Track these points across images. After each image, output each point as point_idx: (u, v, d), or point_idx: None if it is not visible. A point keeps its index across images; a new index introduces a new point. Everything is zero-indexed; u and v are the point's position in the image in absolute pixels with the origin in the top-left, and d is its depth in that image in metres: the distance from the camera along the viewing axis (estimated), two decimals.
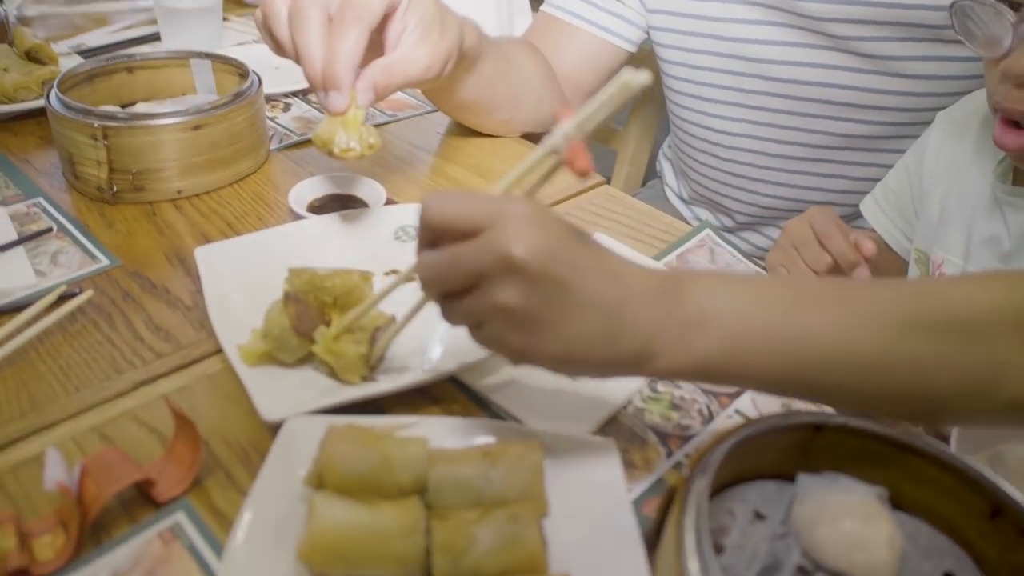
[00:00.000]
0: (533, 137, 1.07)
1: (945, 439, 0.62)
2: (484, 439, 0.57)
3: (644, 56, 1.19)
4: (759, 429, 0.51)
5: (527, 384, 0.65)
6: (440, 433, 0.56)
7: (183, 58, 1.02)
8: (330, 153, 0.72)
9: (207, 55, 1.01)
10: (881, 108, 1.01)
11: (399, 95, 1.18)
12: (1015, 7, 0.64)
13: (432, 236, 0.46)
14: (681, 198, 1.36)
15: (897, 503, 0.54)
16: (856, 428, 0.53)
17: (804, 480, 0.53)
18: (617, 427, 0.63)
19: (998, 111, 0.71)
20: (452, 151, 1.02)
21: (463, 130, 1.06)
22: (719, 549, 0.51)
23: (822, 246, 0.80)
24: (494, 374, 0.65)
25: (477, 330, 0.47)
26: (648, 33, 1.14)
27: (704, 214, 1.30)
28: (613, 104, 0.46)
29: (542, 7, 1.16)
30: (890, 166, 1.05)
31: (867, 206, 1.00)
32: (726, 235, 1.25)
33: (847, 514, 0.49)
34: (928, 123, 1.00)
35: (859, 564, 0.48)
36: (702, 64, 1.09)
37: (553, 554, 0.51)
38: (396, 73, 0.74)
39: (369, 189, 0.82)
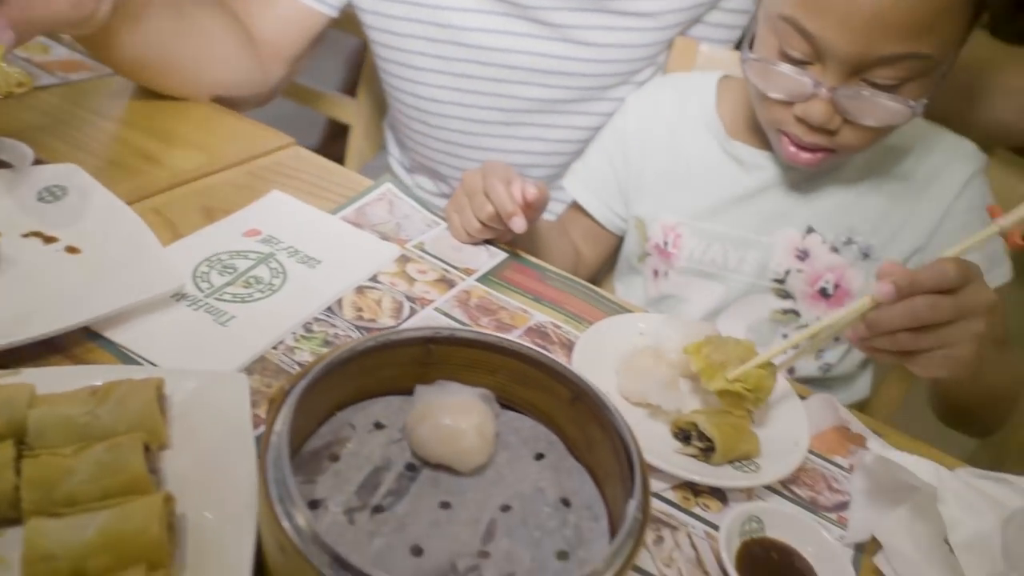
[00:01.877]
0: (225, 101, 1.06)
1: None
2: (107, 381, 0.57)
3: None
4: (362, 347, 0.55)
5: (171, 331, 0.66)
6: (63, 381, 0.56)
7: None
8: None
9: None
10: (568, 74, 1.09)
11: (76, 56, 1.12)
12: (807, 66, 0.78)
13: (930, 288, 0.63)
14: (404, 167, 1.39)
15: (508, 402, 0.61)
16: (463, 339, 0.58)
17: (419, 389, 0.58)
18: (264, 364, 0.65)
19: (784, 135, 0.84)
20: (134, 116, 0.99)
21: (148, 94, 1.03)
22: (335, 458, 0.54)
23: (487, 197, 0.86)
24: (135, 326, 0.65)
25: (942, 351, 0.66)
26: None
27: (425, 182, 1.34)
28: None
29: None
30: (584, 128, 1.14)
31: (570, 183, 1.08)
32: (444, 200, 1.31)
33: (444, 412, 0.54)
34: (613, 87, 1.10)
35: (452, 452, 0.53)
36: (404, 31, 1.12)
37: (172, 479, 0.52)
38: (36, 7, 0.70)
39: (12, 149, 0.79)
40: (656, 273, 1.01)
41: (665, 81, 1.05)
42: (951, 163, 0.91)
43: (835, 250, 0.92)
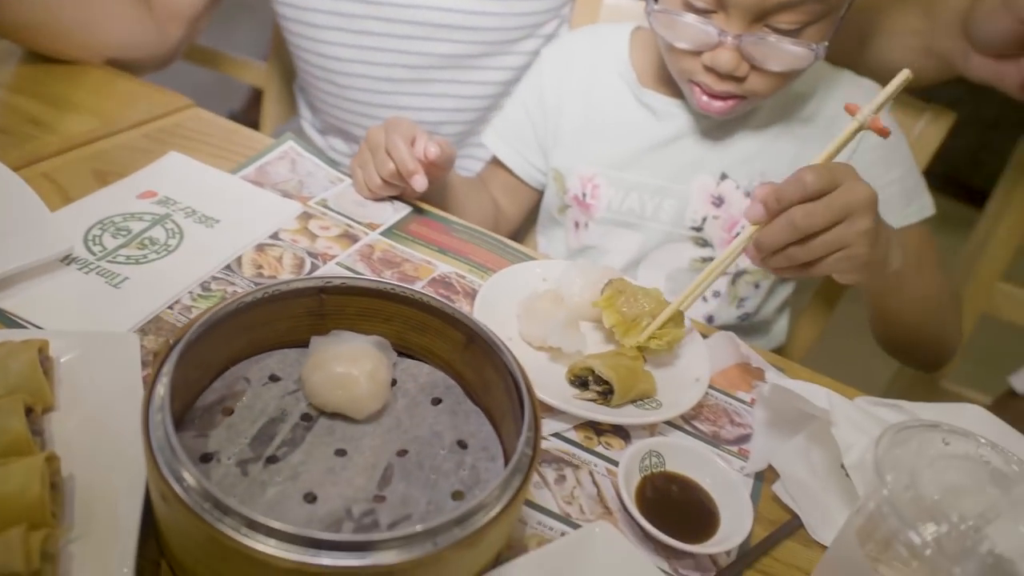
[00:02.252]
0: (122, 64, 1.03)
1: None
2: None
3: None
4: (250, 298, 0.54)
5: (60, 295, 0.64)
6: None
7: None
8: None
9: None
10: (472, 28, 1.08)
11: None
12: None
13: (796, 198, 0.65)
14: (316, 129, 1.37)
15: (406, 350, 0.61)
16: (356, 287, 0.58)
17: (315, 340, 0.58)
18: (159, 324, 0.64)
19: (695, 85, 0.85)
20: (22, 81, 0.95)
21: (37, 59, 0.99)
22: (229, 412, 0.54)
23: (388, 154, 0.85)
24: (22, 291, 0.63)
25: (836, 254, 0.68)
26: None
27: (338, 144, 1.32)
28: (894, 94, 0.65)
29: None
30: (493, 83, 1.13)
31: (488, 138, 1.07)
32: None
33: (337, 360, 0.54)
34: (520, 40, 1.09)
35: (345, 399, 0.54)
36: None
37: (58, 440, 0.51)
38: None
39: None
40: (577, 225, 1.02)
41: (579, 33, 1.05)
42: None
43: (749, 195, 0.94)
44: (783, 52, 0.78)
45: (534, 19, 1.08)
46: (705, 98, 0.85)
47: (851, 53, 0.89)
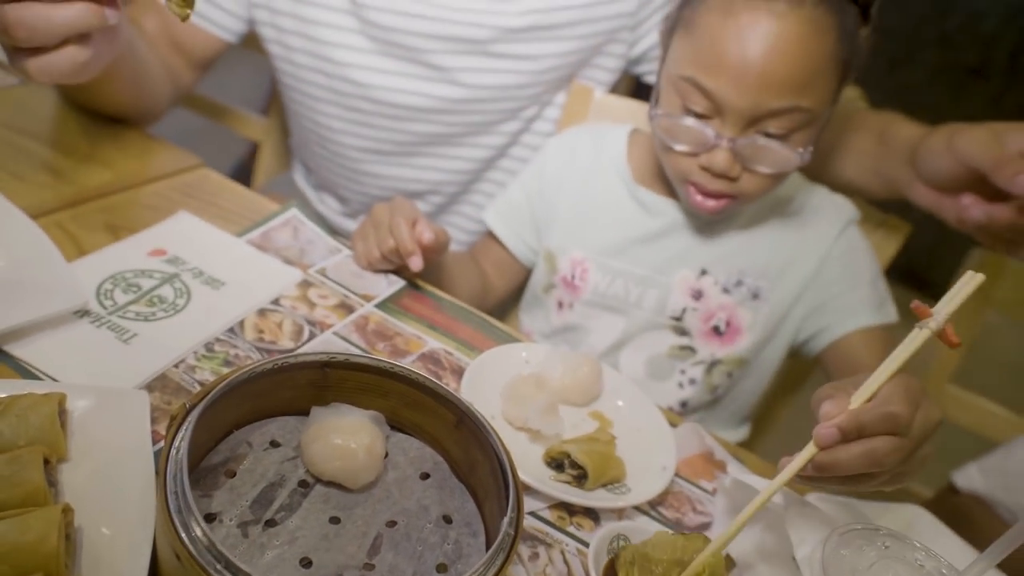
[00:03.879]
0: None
1: None
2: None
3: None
4: (262, 369, 0.58)
5: (73, 347, 0.67)
6: None
7: None
8: None
9: None
10: (455, 112, 1.15)
11: None
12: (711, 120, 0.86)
13: (881, 431, 0.59)
14: (310, 185, 1.42)
15: (399, 425, 0.65)
16: (357, 363, 0.63)
17: (315, 411, 0.62)
18: (165, 382, 0.68)
19: (690, 184, 0.91)
20: (39, 128, 0.98)
21: (53, 107, 1.03)
22: (232, 474, 0.58)
23: (390, 232, 0.90)
24: (36, 341, 0.67)
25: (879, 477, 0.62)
26: (252, 26, 1.18)
27: (330, 200, 1.37)
28: (964, 297, 0.58)
29: None
30: (476, 159, 1.20)
31: (489, 217, 1.14)
32: (347, 219, 1.34)
33: (336, 432, 0.58)
34: (501, 123, 1.16)
35: (343, 469, 0.58)
36: (301, 62, 1.15)
37: (69, 491, 0.55)
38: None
39: None
40: (561, 304, 1.08)
41: (583, 131, 1.12)
42: (826, 214, 1.02)
43: (726, 291, 1.01)
44: (773, 154, 0.86)
45: (514, 104, 1.15)
46: (699, 197, 0.92)
47: (814, 167, 0.97)
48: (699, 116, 0.87)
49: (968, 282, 0.58)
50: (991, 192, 0.82)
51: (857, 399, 0.60)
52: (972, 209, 0.83)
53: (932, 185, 0.90)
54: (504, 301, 1.19)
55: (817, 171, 1.04)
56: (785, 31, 0.81)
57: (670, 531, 0.66)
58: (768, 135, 0.85)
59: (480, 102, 1.13)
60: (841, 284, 1.01)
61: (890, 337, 1.01)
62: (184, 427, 0.52)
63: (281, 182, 1.49)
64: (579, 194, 1.06)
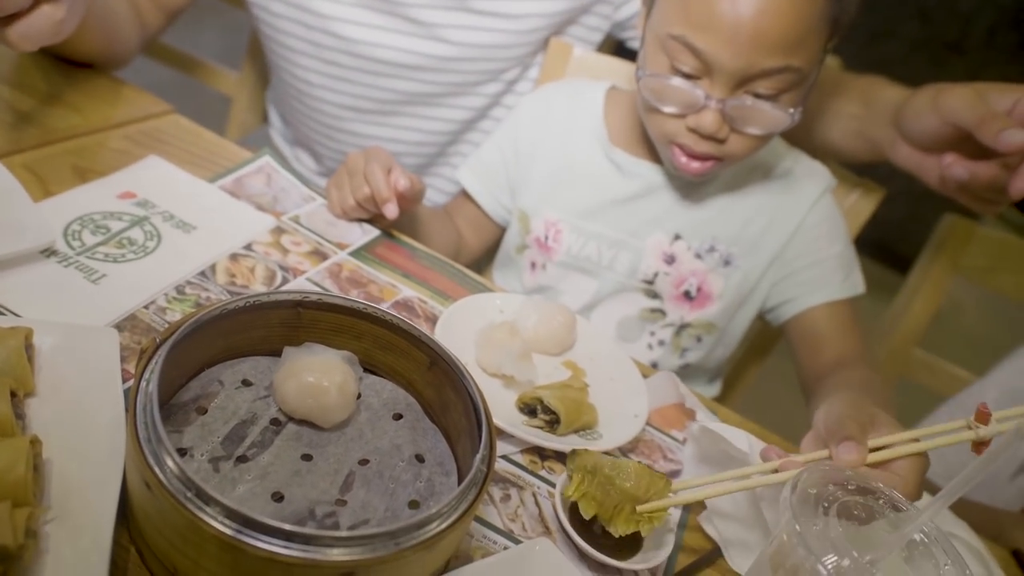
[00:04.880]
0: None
1: None
2: None
3: None
4: (233, 306, 0.58)
5: (39, 286, 0.67)
6: None
7: None
8: None
9: None
10: (436, 70, 1.13)
11: None
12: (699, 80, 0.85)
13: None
14: (286, 140, 1.40)
15: (372, 367, 0.65)
16: (331, 304, 0.62)
17: (288, 350, 0.61)
18: (135, 322, 0.67)
19: (676, 146, 0.90)
20: (7, 71, 0.96)
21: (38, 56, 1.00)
22: (203, 411, 0.57)
23: (366, 179, 0.89)
24: (2, 279, 0.66)
25: None
26: None
27: (305, 158, 1.36)
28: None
29: None
30: (455, 120, 1.19)
31: (463, 175, 1.12)
32: (322, 178, 1.33)
33: (308, 370, 0.58)
34: (482, 83, 1.15)
35: (315, 407, 0.57)
36: (280, 12, 1.13)
37: (37, 425, 0.54)
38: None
39: None
40: (533, 265, 1.07)
41: (559, 87, 1.11)
42: (803, 182, 1.01)
43: (699, 256, 1.01)
44: (763, 115, 0.85)
45: (495, 64, 1.14)
46: (684, 159, 0.91)
47: (797, 130, 0.97)
48: (687, 76, 0.85)
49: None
50: (972, 151, 0.83)
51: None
52: (955, 167, 0.84)
53: (915, 145, 0.91)
54: (478, 260, 1.18)
55: (801, 135, 1.04)
56: None
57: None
58: (757, 96, 0.84)
59: (462, 60, 1.12)
60: (810, 256, 1.01)
61: (854, 309, 1.02)
62: (154, 360, 0.52)
63: (255, 139, 1.47)
64: (554, 155, 1.05)
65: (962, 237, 1.23)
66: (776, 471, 0.63)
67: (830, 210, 1.02)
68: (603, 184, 1.02)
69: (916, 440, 0.63)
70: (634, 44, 1.18)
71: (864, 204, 1.15)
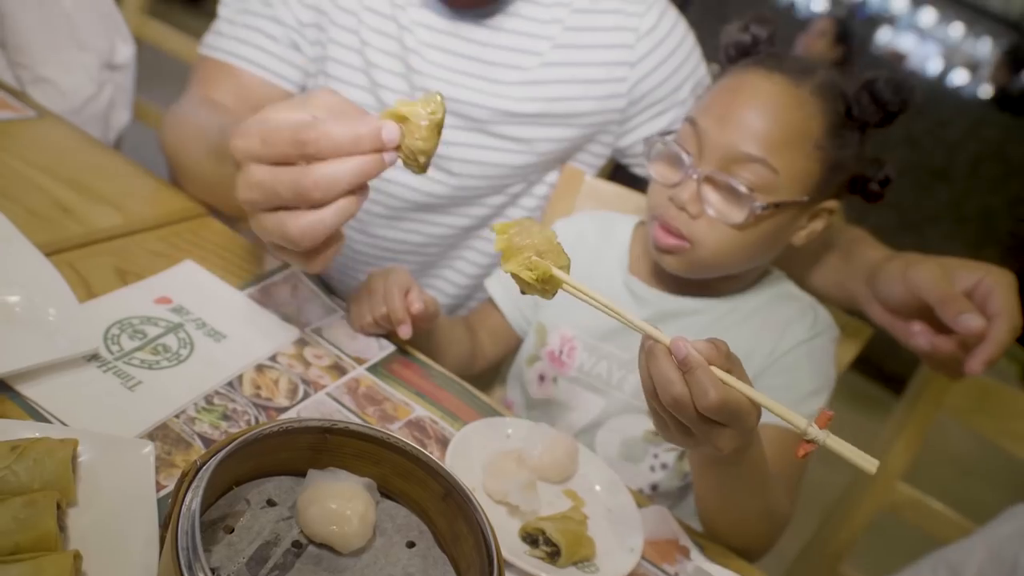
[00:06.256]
0: None
1: None
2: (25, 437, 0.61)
3: None
4: (268, 431, 0.62)
5: (80, 391, 0.70)
6: None
7: None
8: None
9: None
10: (441, 184, 1.20)
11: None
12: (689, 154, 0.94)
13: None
14: None
15: (388, 492, 0.69)
16: (356, 432, 0.66)
17: (312, 473, 0.65)
18: (166, 432, 0.71)
19: (657, 220, 0.98)
20: (54, 164, 1.01)
21: (68, 142, 1.06)
22: (230, 530, 0.61)
23: (384, 300, 0.94)
24: (46, 382, 0.69)
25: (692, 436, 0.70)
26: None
27: None
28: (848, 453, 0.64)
29: (199, 50, 1.18)
30: (460, 227, 1.25)
31: (491, 285, 1.18)
32: (329, 278, 1.38)
33: (332, 497, 0.62)
34: (488, 195, 1.22)
35: (335, 534, 0.61)
36: None
37: (75, 536, 0.57)
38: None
39: None
40: (542, 378, 1.12)
41: (592, 217, 1.18)
42: (803, 323, 1.06)
43: None
44: (730, 199, 0.93)
45: (503, 181, 1.21)
46: (660, 232, 0.98)
47: (793, 273, 1.03)
48: (685, 152, 0.95)
49: (863, 461, 0.64)
50: (938, 322, 0.90)
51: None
52: (919, 337, 0.93)
53: (886, 307, 0.98)
54: (494, 367, 1.23)
55: (796, 277, 1.11)
56: (774, 95, 0.92)
57: None
58: (733, 182, 0.92)
59: (473, 177, 1.19)
60: (791, 382, 1.04)
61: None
62: (196, 483, 0.55)
63: None
64: (578, 279, 1.11)
65: (944, 378, 1.29)
66: None
67: (817, 352, 1.06)
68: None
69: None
70: (637, 170, 1.26)
71: (850, 345, 1.21)
